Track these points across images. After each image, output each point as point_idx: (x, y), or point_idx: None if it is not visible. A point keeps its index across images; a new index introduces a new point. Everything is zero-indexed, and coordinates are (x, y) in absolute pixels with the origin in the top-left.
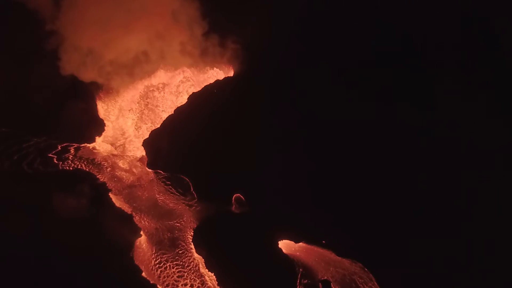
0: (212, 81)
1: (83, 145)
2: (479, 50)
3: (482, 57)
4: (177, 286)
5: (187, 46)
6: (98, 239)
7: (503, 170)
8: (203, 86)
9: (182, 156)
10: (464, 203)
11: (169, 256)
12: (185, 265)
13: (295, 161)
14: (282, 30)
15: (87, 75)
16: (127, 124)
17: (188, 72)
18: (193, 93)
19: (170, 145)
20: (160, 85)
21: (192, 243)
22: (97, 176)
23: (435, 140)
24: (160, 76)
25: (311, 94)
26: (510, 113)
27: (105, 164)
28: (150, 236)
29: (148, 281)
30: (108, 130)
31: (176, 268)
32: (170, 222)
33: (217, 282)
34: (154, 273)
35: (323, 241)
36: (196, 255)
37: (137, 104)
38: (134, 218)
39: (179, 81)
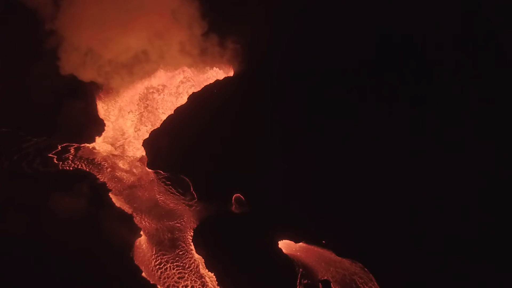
0: (212, 81)
1: (83, 145)
2: (479, 50)
3: (482, 57)
4: (178, 287)
5: (187, 45)
6: (98, 239)
7: (503, 170)
8: (203, 86)
9: (182, 156)
10: (464, 203)
11: (169, 257)
12: (185, 266)
13: (295, 161)
14: (282, 30)
15: (87, 75)
16: (126, 124)
17: (188, 72)
18: (193, 93)
19: (170, 145)
20: (160, 87)
21: (192, 244)
22: (97, 176)
23: (435, 140)
24: (160, 77)
25: (311, 94)
26: (510, 113)
27: (105, 164)
28: (150, 237)
29: (148, 281)
30: (108, 131)
31: (177, 269)
32: (170, 223)
33: (217, 283)
34: (154, 274)
35: (323, 241)
36: (196, 255)
37: (137, 106)
38: (134, 219)
39: (179, 82)
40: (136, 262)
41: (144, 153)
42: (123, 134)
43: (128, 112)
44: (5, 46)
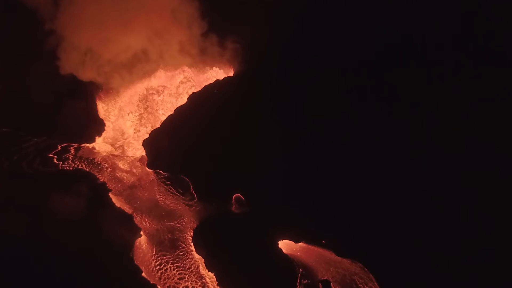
0: (212, 81)
1: (83, 145)
2: (479, 50)
3: (482, 57)
4: None
5: (187, 45)
6: (98, 239)
7: (503, 170)
8: (203, 86)
9: (182, 156)
10: (464, 203)
11: (169, 258)
12: (186, 267)
13: (295, 161)
14: (282, 30)
15: (87, 75)
16: (126, 125)
17: (188, 72)
18: (193, 93)
19: (170, 145)
20: (160, 88)
21: (192, 244)
22: (97, 176)
23: (435, 140)
24: (160, 77)
25: (311, 94)
26: (510, 113)
27: (105, 164)
28: (150, 237)
29: (148, 281)
30: (108, 131)
31: (177, 270)
32: (171, 223)
33: (217, 283)
34: (154, 274)
35: (323, 241)
36: (196, 256)
37: (136, 107)
38: (135, 219)
39: (179, 82)
40: (136, 262)
41: (144, 153)
42: (123, 134)
43: (128, 113)
44: (5, 46)
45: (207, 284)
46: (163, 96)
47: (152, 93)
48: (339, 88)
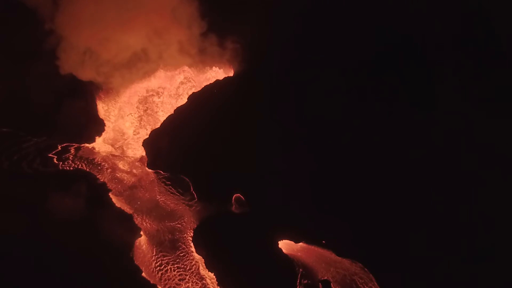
0: (212, 81)
1: (83, 145)
2: (479, 50)
3: (482, 57)
4: None
5: (187, 45)
6: (98, 239)
7: (503, 170)
8: (203, 86)
9: (182, 156)
10: (464, 203)
11: (170, 258)
12: (186, 268)
13: (295, 161)
14: (282, 30)
15: (86, 74)
16: (126, 125)
17: (188, 72)
18: (193, 93)
19: (170, 145)
20: (160, 90)
21: (192, 245)
22: (97, 176)
23: (435, 140)
24: (160, 77)
25: (311, 94)
26: (510, 113)
27: (105, 164)
28: (151, 238)
29: (148, 281)
30: (108, 131)
31: (177, 271)
32: (171, 224)
33: (217, 283)
34: (155, 275)
35: (323, 241)
36: (197, 256)
37: (136, 109)
38: (135, 220)
39: (179, 83)
40: (136, 263)
41: (144, 154)
42: (122, 135)
43: (128, 114)
44: (5, 46)
45: (208, 285)
46: (163, 97)
47: (152, 95)
48: (339, 88)
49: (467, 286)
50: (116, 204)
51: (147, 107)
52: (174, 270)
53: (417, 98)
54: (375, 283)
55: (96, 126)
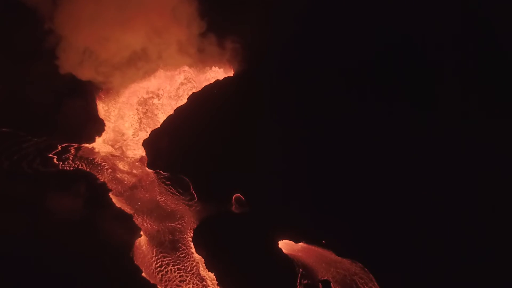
0: (212, 81)
1: (83, 145)
2: (479, 50)
3: (482, 57)
4: None
5: (187, 45)
6: (98, 239)
7: (503, 170)
8: (203, 86)
9: (182, 156)
10: (464, 203)
11: (170, 260)
12: (187, 269)
13: (295, 161)
14: (282, 30)
15: (86, 74)
16: (126, 126)
17: (188, 73)
18: (193, 93)
19: (170, 145)
20: (160, 92)
21: (193, 246)
22: (98, 177)
23: (435, 140)
24: (160, 77)
25: (311, 94)
26: (510, 113)
27: (105, 165)
28: (151, 238)
29: (148, 281)
30: (108, 131)
31: (178, 273)
32: (172, 224)
33: (217, 283)
34: (155, 276)
35: (323, 241)
36: (197, 257)
37: (136, 111)
38: (136, 220)
39: (179, 84)
40: (136, 263)
41: (144, 154)
42: (122, 135)
43: (128, 115)
44: (5, 46)
45: (208, 286)
46: (163, 99)
47: (152, 97)
48: (339, 88)
49: (467, 286)
50: (116, 204)
51: (146, 109)
52: (174, 272)
53: (417, 98)
54: (375, 283)
55: (96, 126)
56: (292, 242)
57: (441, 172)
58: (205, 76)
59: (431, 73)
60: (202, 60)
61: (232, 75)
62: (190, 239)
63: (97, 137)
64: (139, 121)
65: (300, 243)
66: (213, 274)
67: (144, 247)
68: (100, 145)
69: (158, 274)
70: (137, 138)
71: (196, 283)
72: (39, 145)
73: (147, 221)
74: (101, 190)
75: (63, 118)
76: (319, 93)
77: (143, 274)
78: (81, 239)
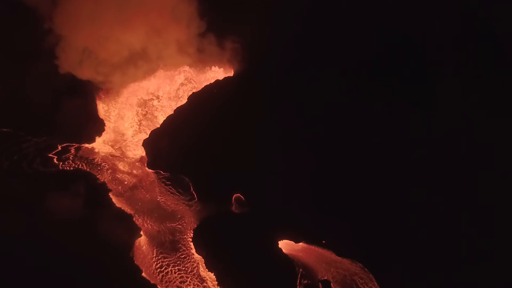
0: (212, 81)
1: (83, 145)
2: (479, 50)
3: (482, 57)
4: None
5: (187, 44)
6: (98, 239)
7: (503, 170)
8: (203, 86)
9: (182, 156)
10: (464, 203)
11: (170, 260)
12: (187, 270)
13: (295, 161)
14: (282, 30)
15: (85, 74)
16: (125, 126)
17: (189, 73)
18: (193, 93)
19: (170, 145)
20: (160, 93)
21: (193, 246)
22: (98, 177)
23: (435, 140)
24: (160, 77)
25: (311, 94)
26: (510, 113)
27: (105, 165)
28: (151, 239)
29: (148, 281)
30: (108, 132)
31: (178, 273)
32: (172, 225)
33: (217, 283)
34: (155, 277)
35: (323, 241)
36: (197, 257)
37: (135, 113)
38: (136, 221)
39: (179, 84)
40: (136, 263)
41: (144, 154)
42: (122, 136)
43: (127, 116)
44: (5, 46)
45: (209, 287)
46: (163, 101)
47: (152, 99)
48: (339, 88)
49: (467, 286)
50: (116, 205)
51: (146, 111)
52: (175, 272)
53: (417, 98)
54: (375, 283)
55: (96, 126)
56: (292, 242)
57: (441, 172)
58: (205, 76)
59: (431, 73)
60: (202, 60)
61: (232, 75)
62: (190, 239)
63: (97, 137)
64: (139, 123)
65: (300, 243)
66: (213, 274)
67: (144, 247)
68: (100, 145)
69: (158, 275)
70: (136, 140)
71: (196, 284)
72: (39, 145)
73: (148, 221)
74: (101, 190)
75: (63, 118)
76: (319, 93)
77: (143, 274)
78: (81, 239)
